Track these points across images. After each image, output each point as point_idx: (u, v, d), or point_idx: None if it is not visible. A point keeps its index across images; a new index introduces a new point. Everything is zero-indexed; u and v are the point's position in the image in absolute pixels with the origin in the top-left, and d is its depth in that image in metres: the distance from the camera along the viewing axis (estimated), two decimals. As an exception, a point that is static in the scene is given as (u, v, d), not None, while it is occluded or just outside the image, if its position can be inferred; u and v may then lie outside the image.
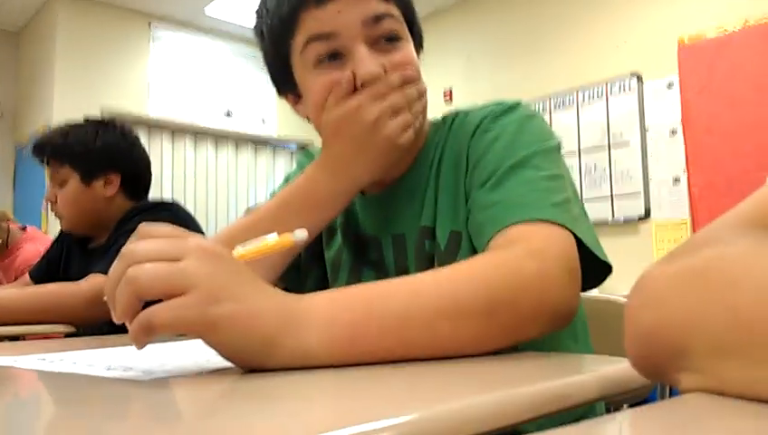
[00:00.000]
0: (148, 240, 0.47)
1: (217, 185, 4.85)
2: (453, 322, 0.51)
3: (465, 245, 0.73)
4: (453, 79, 4.31)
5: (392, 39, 0.73)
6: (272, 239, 0.52)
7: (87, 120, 1.63)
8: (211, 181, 4.82)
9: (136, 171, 1.61)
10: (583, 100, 3.65)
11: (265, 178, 5.15)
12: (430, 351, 0.51)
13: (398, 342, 0.50)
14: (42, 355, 0.57)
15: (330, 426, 0.28)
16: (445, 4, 4.34)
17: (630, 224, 3.41)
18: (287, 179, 1.01)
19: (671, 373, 0.30)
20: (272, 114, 5.11)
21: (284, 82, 0.81)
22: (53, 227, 3.76)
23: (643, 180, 3.35)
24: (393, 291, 0.53)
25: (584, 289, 0.64)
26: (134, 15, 4.45)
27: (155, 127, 4.47)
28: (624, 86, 3.48)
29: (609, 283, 0.69)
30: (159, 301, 0.46)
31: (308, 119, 0.81)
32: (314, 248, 0.89)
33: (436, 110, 0.83)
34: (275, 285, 0.71)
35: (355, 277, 0.83)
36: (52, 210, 1.58)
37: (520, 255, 0.58)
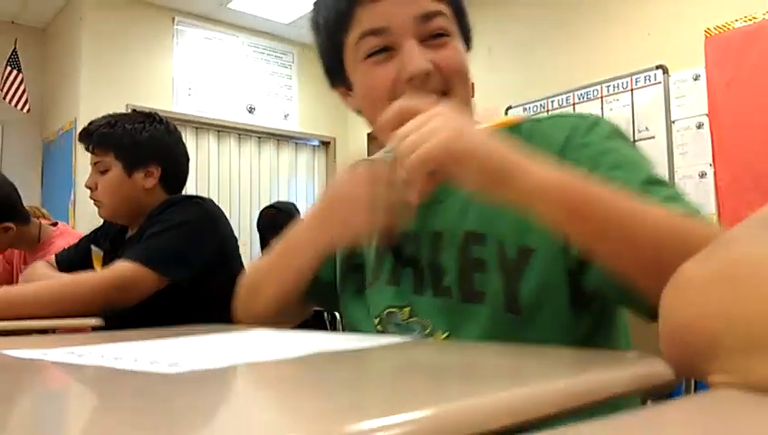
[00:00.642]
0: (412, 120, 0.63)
1: (240, 180, 4.89)
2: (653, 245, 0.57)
3: (534, 263, 0.71)
4: (475, 72, 4.26)
5: (442, 35, 0.76)
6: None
7: (135, 112, 1.67)
8: (234, 176, 4.86)
9: (176, 166, 1.65)
10: (608, 92, 3.60)
11: (288, 173, 5.18)
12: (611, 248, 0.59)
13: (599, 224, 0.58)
14: (70, 348, 0.58)
15: (353, 419, 0.28)
16: (467, -3, 4.31)
17: (656, 218, 3.36)
18: None
19: (703, 368, 0.30)
20: (294, 110, 5.13)
21: (337, 75, 0.84)
22: (81, 223, 3.82)
23: (669, 175, 3.30)
24: (617, 197, 0.60)
25: None
26: (158, 11, 4.49)
27: (179, 122, 4.49)
28: (649, 78, 3.43)
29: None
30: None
31: (358, 111, 0.84)
32: (349, 256, 0.90)
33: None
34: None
35: (395, 276, 0.82)
36: (91, 197, 1.61)
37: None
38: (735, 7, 3.12)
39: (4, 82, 4.31)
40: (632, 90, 3.50)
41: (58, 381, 0.47)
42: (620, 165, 0.70)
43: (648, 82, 3.43)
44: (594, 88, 3.65)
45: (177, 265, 1.43)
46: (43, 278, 1.54)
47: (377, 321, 0.81)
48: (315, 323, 3.02)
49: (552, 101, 3.77)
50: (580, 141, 0.73)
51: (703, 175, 3.19)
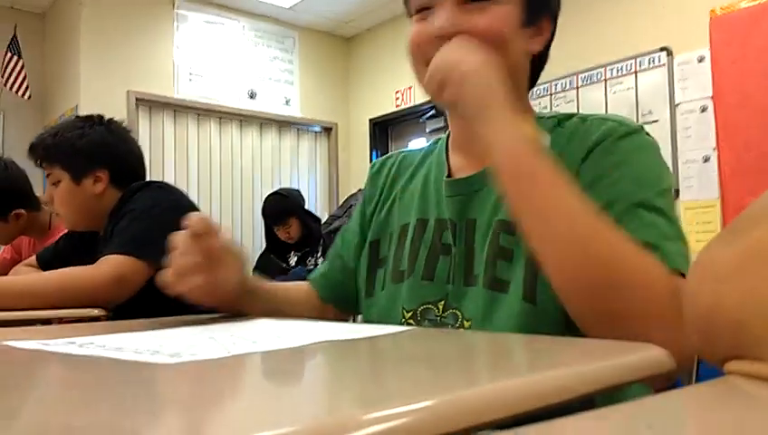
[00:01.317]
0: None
1: (242, 166, 4.88)
2: (584, 250, 0.59)
3: None
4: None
5: (486, 0, 0.76)
6: None
7: (77, 118, 1.65)
8: (236, 163, 4.85)
9: (124, 164, 1.62)
10: (611, 75, 3.58)
11: (289, 159, 5.16)
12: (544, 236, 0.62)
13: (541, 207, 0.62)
14: (71, 339, 0.57)
15: (347, 409, 0.28)
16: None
17: (659, 203, 3.35)
18: None
19: (726, 355, 0.30)
20: (295, 95, 5.11)
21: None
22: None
23: (672, 159, 3.28)
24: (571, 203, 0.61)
25: None
26: (157, -5, 4.46)
27: (180, 109, 4.50)
28: (654, 60, 3.40)
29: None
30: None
31: None
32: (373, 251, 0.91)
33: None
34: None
35: (428, 269, 0.82)
36: (51, 210, 1.61)
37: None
38: (741, -12, 3.08)
39: (5, 69, 4.28)
40: (636, 72, 3.47)
41: (56, 372, 0.47)
42: (628, 179, 0.70)
43: (652, 64, 3.41)
44: (598, 71, 3.62)
45: (162, 250, 1.42)
46: None
47: (409, 315, 0.81)
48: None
49: (556, 85, 3.74)
50: (609, 146, 0.73)
51: (707, 159, 3.17)
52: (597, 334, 0.58)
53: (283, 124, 5.08)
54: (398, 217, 0.90)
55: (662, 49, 3.35)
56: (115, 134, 1.62)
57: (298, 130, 5.21)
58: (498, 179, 0.66)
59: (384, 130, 5.15)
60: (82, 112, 1.67)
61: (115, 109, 3.79)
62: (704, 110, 3.20)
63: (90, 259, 1.46)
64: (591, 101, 3.60)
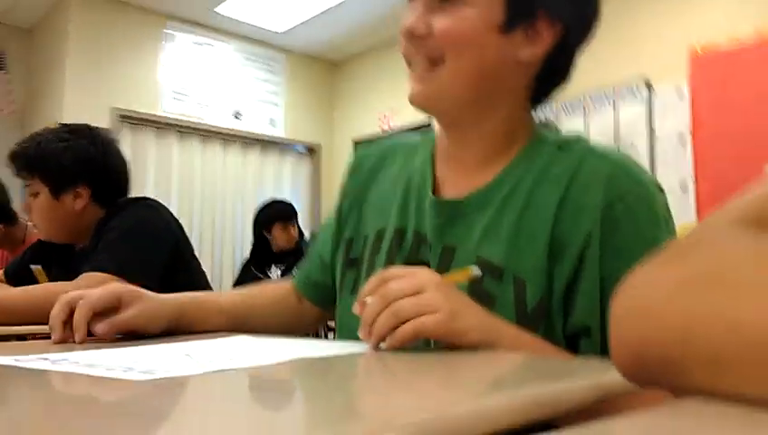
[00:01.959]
0: (395, 280, 0.61)
1: (225, 185, 4.87)
2: None
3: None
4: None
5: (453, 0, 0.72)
6: (474, 270, 0.67)
7: (61, 126, 1.60)
8: (219, 181, 4.83)
9: (107, 181, 1.58)
10: (593, 106, 3.64)
11: (273, 178, 5.16)
12: None
13: None
14: (44, 355, 0.57)
15: (333, 426, 0.28)
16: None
17: (637, 231, 3.39)
18: None
19: (664, 383, 0.29)
20: (280, 116, 5.12)
21: None
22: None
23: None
24: None
25: None
26: (147, 14, 4.47)
27: (163, 126, 4.49)
28: (633, 93, 3.47)
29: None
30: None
31: None
32: (347, 250, 0.90)
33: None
34: None
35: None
36: (29, 220, 1.58)
37: None
38: (721, 26, 3.16)
39: (-10, 83, 4.26)
40: (615, 104, 3.54)
41: (27, 388, 0.47)
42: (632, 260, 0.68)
43: (632, 95, 3.47)
44: (578, 101, 3.68)
45: (144, 269, 1.41)
46: None
47: None
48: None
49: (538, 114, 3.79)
50: (623, 216, 0.70)
51: (684, 188, 3.23)
52: None
53: (266, 144, 5.08)
54: (374, 219, 0.86)
55: (642, 81, 3.43)
56: (100, 147, 1.58)
57: (282, 149, 5.22)
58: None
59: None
60: (64, 127, 1.65)
61: (97, 125, 3.76)
62: (682, 139, 3.27)
63: (58, 272, 1.44)
64: (571, 131, 3.62)
